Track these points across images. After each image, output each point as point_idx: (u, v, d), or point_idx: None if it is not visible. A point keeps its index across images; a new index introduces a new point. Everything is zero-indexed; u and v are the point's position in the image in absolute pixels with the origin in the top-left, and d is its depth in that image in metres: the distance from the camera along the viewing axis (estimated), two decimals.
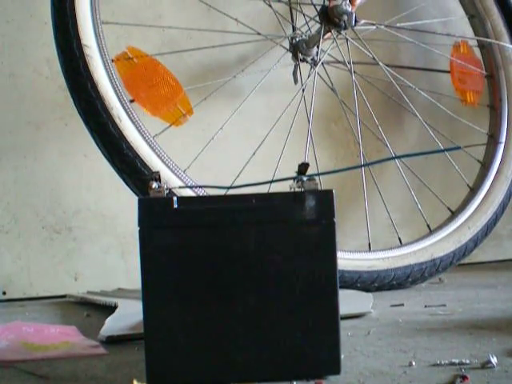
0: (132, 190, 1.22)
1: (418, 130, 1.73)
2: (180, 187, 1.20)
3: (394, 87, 1.57)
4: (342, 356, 0.66)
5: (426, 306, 1.10)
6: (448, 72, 1.68)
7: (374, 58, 1.51)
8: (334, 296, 0.65)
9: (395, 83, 1.55)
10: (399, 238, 1.46)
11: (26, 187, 1.48)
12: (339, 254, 1.05)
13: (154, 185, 0.68)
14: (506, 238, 1.85)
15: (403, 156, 1.37)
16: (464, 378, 0.62)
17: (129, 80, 1.28)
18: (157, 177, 0.69)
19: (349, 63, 1.48)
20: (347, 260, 1.33)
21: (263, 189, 0.81)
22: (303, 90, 1.46)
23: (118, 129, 1.20)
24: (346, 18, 1.41)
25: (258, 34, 1.47)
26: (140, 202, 0.66)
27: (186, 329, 0.64)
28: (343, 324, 0.68)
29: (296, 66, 1.46)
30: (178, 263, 0.65)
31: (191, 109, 1.33)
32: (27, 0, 1.50)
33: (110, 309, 1.11)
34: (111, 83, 1.22)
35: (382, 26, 1.56)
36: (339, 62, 1.52)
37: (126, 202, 1.43)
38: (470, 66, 1.65)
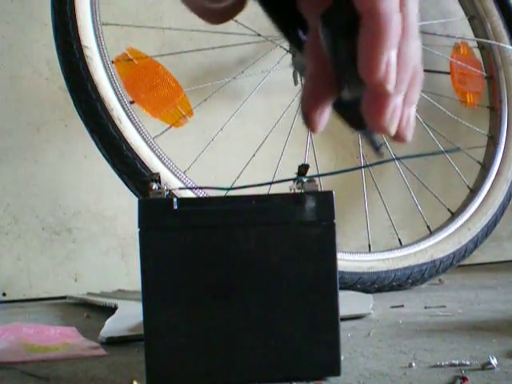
0: (132, 191, 1.22)
1: (417, 131, 1.73)
2: (180, 188, 1.20)
3: None
4: (342, 357, 0.66)
5: (425, 307, 1.10)
6: (448, 73, 1.68)
7: None
8: (334, 297, 0.65)
9: None
10: (399, 240, 1.46)
11: (26, 188, 1.48)
12: (339, 256, 1.06)
13: (154, 186, 0.68)
14: (505, 240, 1.85)
15: (404, 157, 1.37)
16: (464, 379, 0.62)
17: (129, 81, 1.29)
18: (157, 178, 0.69)
19: None
20: (347, 261, 1.33)
21: (263, 190, 0.81)
22: None
23: (118, 130, 1.20)
24: None
25: (258, 35, 1.47)
26: (140, 203, 0.66)
27: (186, 330, 0.64)
28: (343, 325, 0.68)
29: (296, 67, 1.46)
30: (178, 264, 0.65)
31: (191, 110, 1.33)
32: (27, 1, 1.50)
33: (110, 310, 1.11)
34: (111, 84, 1.22)
35: None
36: None
37: (126, 203, 1.43)
38: (470, 67, 1.65)
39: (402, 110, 0.42)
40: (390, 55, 0.39)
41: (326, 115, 0.45)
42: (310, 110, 0.44)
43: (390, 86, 0.39)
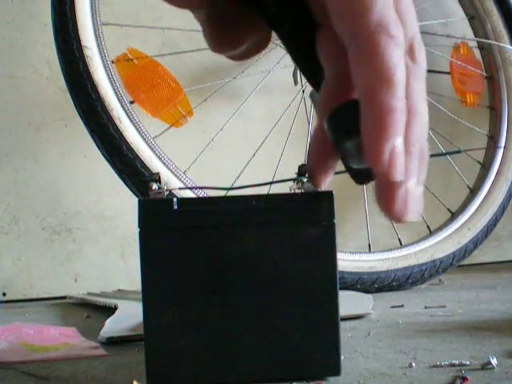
0: (132, 191, 1.22)
1: None
2: (180, 188, 1.20)
3: None
4: (342, 357, 0.66)
5: (426, 307, 1.10)
6: (448, 73, 1.68)
7: None
8: (334, 297, 0.65)
9: None
10: (399, 239, 1.46)
11: (26, 188, 1.48)
12: (339, 255, 1.05)
13: (154, 186, 0.68)
14: (506, 240, 1.85)
15: None
16: (464, 379, 0.62)
17: (129, 81, 1.29)
18: (157, 178, 0.69)
19: None
20: (347, 261, 1.33)
21: (263, 190, 0.81)
22: (303, 91, 1.46)
23: (118, 130, 1.20)
24: None
25: None
26: (140, 203, 0.66)
27: (186, 330, 0.64)
28: (343, 325, 0.68)
29: (296, 67, 1.46)
30: (178, 264, 0.64)
31: (191, 110, 1.33)
32: (27, 1, 1.50)
33: (110, 310, 1.11)
34: (111, 84, 1.22)
35: None
36: None
37: (126, 203, 1.43)
38: (470, 67, 1.65)
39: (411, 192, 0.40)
40: (395, 143, 0.36)
41: (330, 175, 0.47)
42: (315, 169, 0.47)
43: (399, 175, 0.37)
